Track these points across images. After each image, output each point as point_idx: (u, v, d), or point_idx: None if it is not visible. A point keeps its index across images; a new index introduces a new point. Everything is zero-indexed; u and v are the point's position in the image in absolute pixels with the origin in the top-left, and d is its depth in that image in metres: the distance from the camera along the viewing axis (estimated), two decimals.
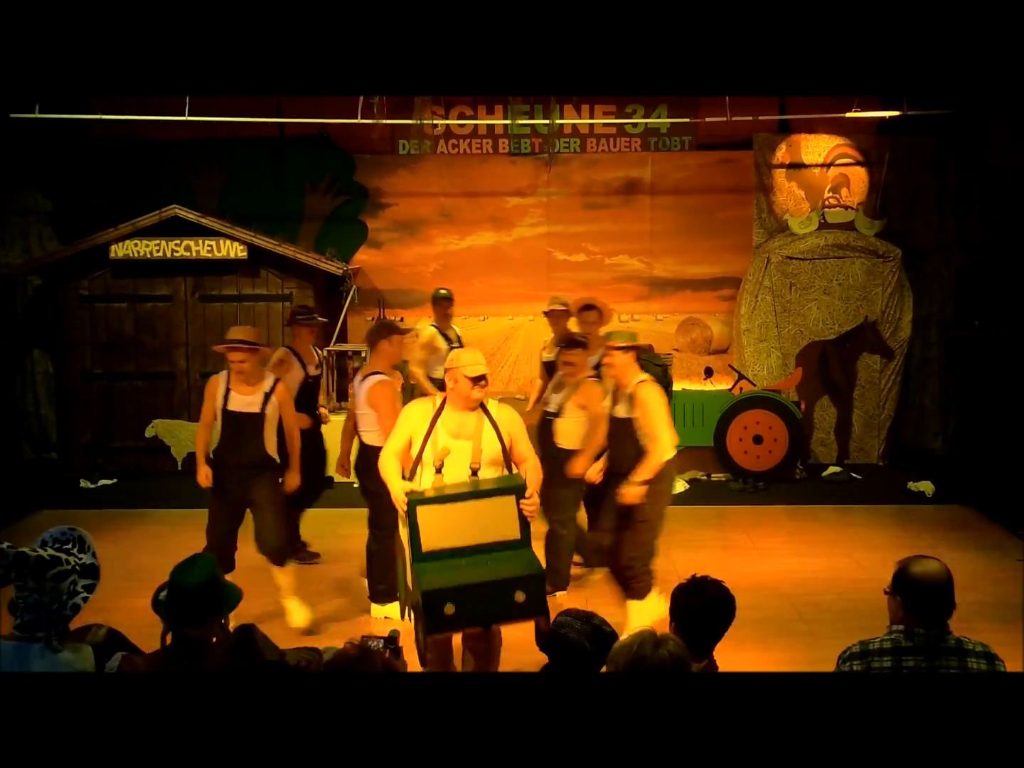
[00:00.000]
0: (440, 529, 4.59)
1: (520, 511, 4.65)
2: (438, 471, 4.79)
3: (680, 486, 9.86)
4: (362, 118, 9.84)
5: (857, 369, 10.91)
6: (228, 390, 6.16)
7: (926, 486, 9.58)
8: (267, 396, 6.18)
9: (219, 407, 6.17)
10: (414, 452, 4.87)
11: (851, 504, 9.32)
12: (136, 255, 10.11)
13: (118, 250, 10.09)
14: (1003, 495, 8.81)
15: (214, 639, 3.32)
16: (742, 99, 10.11)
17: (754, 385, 10.59)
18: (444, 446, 4.79)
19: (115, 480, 10.09)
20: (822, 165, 11.05)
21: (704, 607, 3.49)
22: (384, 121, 9.99)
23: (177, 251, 10.12)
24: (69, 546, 3.23)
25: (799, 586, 7.07)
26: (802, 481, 10.17)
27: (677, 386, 10.61)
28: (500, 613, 4.53)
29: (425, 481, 4.84)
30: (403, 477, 4.86)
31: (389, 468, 4.86)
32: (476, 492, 4.68)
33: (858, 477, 10.31)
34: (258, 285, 10.40)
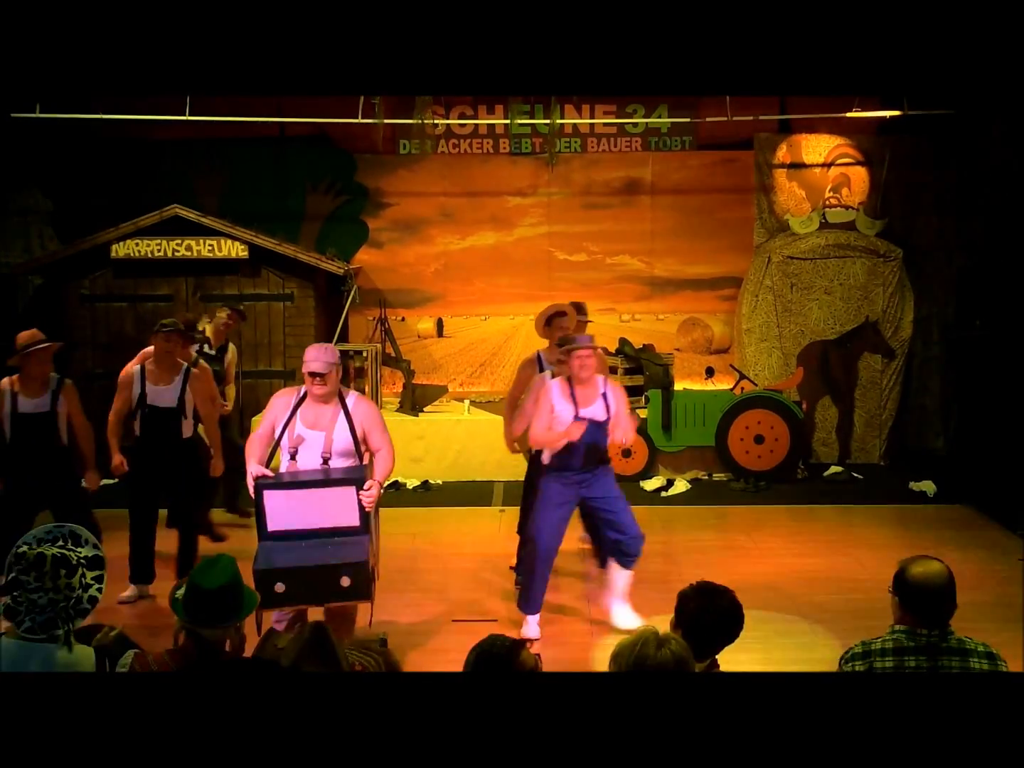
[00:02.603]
0: (284, 512, 5.00)
1: (360, 501, 5.03)
2: (292, 458, 5.21)
3: (681, 486, 9.87)
4: (362, 118, 9.85)
5: (858, 369, 10.91)
6: (15, 395, 6.28)
7: (927, 486, 9.58)
8: (55, 395, 6.30)
9: (6, 412, 6.29)
10: (276, 438, 5.29)
11: (852, 504, 9.32)
12: (137, 255, 10.11)
13: (119, 250, 10.10)
14: (1004, 495, 8.80)
15: (228, 641, 3.29)
16: (742, 99, 10.11)
17: (755, 385, 10.59)
18: (299, 434, 5.21)
19: (116, 479, 10.06)
20: (823, 165, 11.05)
21: (714, 619, 3.44)
22: (384, 121, 9.99)
23: (178, 251, 10.13)
24: (61, 543, 3.23)
25: (800, 586, 7.07)
26: (803, 481, 10.17)
27: (678, 386, 10.63)
28: (327, 594, 4.98)
29: (282, 464, 5.28)
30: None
31: (249, 451, 5.27)
32: (319, 481, 5.08)
33: (859, 477, 10.30)
34: (259, 285, 10.40)
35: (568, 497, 6.17)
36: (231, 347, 8.61)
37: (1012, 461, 9.48)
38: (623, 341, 10.89)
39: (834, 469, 10.49)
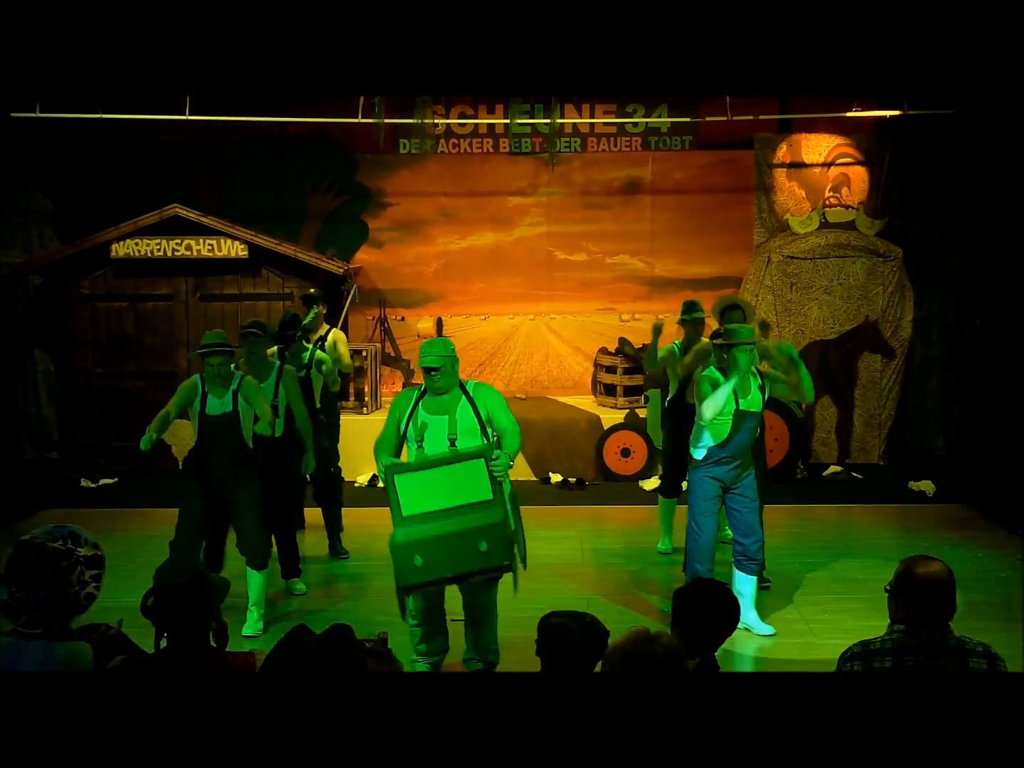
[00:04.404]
0: (417, 494, 5.04)
1: (490, 472, 5.06)
2: (419, 445, 5.26)
3: (682, 486, 9.87)
4: (362, 118, 9.84)
5: (858, 369, 10.91)
6: (205, 394, 6.17)
7: (927, 485, 9.58)
8: (235, 394, 6.20)
9: (196, 411, 6.17)
10: (402, 432, 5.35)
11: (852, 504, 9.33)
12: (137, 254, 10.11)
13: (119, 249, 10.09)
14: (1004, 495, 8.81)
15: (211, 633, 3.34)
16: (742, 99, 10.10)
17: None
18: (423, 422, 5.26)
19: (116, 479, 10.09)
20: (823, 164, 11.04)
21: (709, 613, 3.45)
22: (385, 120, 9.99)
23: (178, 250, 10.13)
24: (60, 543, 3.23)
25: (799, 586, 7.07)
26: (803, 480, 10.17)
27: None
28: (467, 563, 5.02)
29: (409, 455, 5.33)
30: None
31: (379, 447, 5.34)
32: (447, 458, 5.12)
33: (859, 476, 10.30)
34: (259, 284, 10.40)
35: (718, 491, 6.21)
36: (331, 335, 8.27)
37: (1012, 461, 9.49)
38: (623, 341, 10.89)
39: (833, 469, 10.49)
